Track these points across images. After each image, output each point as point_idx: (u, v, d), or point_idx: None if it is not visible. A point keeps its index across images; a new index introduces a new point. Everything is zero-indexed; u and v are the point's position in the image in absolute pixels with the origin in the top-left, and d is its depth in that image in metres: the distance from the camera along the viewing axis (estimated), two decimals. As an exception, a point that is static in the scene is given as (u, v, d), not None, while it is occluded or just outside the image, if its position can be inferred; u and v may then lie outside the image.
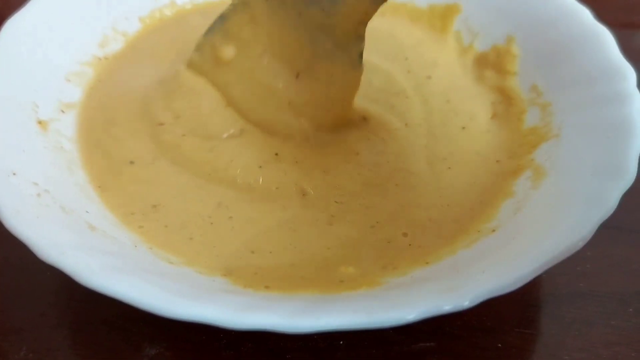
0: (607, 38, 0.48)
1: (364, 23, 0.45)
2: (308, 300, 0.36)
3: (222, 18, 0.49)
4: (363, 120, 0.49)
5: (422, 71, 0.55)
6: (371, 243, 0.43)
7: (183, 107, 0.49)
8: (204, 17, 0.58)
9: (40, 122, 0.46)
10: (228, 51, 0.49)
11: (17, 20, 0.49)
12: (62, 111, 0.49)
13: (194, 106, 0.50)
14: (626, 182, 0.39)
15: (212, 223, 0.43)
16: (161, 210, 0.44)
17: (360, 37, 0.46)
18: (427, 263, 0.41)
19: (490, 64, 0.55)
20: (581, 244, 0.36)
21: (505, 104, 0.52)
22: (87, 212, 0.42)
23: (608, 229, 0.38)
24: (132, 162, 0.47)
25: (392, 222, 0.44)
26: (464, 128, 0.51)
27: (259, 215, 0.44)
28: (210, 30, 0.50)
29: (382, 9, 0.45)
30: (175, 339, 0.41)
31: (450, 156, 0.48)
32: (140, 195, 0.45)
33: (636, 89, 0.45)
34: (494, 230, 0.42)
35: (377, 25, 0.48)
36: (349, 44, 0.46)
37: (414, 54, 0.56)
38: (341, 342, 0.41)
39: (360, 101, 0.50)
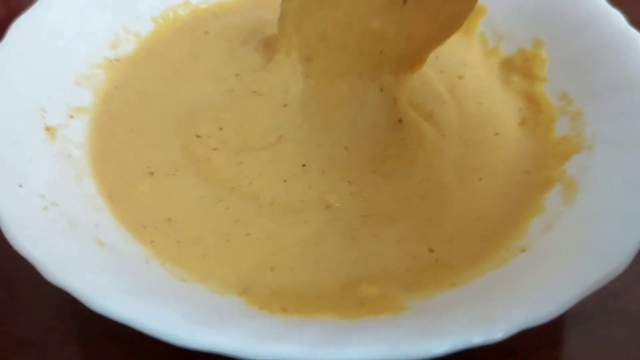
0: (641, 44, 0.46)
1: None
2: (329, 328, 0.34)
3: None
4: (399, 123, 0.47)
5: (454, 71, 0.53)
6: (396, 259, 0.41)
7: (231, 118, 0.48)
8: (219, 18, 0.57)
9: (48, 129, 0.45)
10: None
11: (24, 22, 0.47)
12: (71, 116, 0.47)
13: (244, 115, 0.48)
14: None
15: (228, 240, 0.41)
16: (175, 225, 0.42)
17: None
18: (453, 285, 0.39)
19: (517, 68, 0.53)
20: (621, 269, 0.34)
21: (534, 111, 0.50)
22: (96, 225, 0.40)
23: (638, 246, 0.36)
24: (151, 173, 0.45)
25: (419, 237, 0.42)
26: (497, 134, 0.49)
27: (279, 230, 0.42)
28: None
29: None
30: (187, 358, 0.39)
31: (483, 167, 0.46)
32: (155, 208, 0.43)
33: (674, 99, 0.42)
34: (523, 250, 0.40)
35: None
36: None
37: (443, 53, 0.53)
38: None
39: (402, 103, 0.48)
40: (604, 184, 0.41)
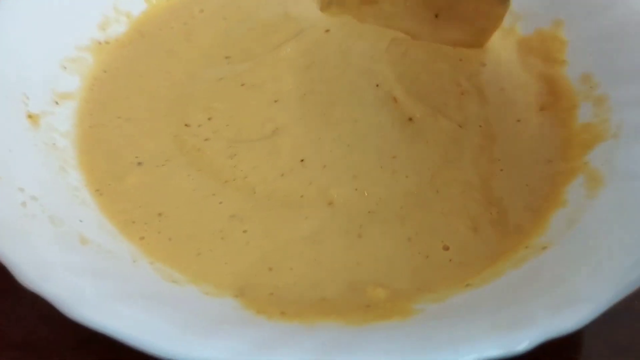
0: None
1: None
2: (330, 336, 0.31)
3: None
4: (408, 122, 0.45)
5: (475, 57, 0.50)
6: (406, 258, 0.38)
7: (224, 108, 0.46)
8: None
9: (30, 116, 0.42)
10: None
11: (6, 2, 0.44)
12: (56, 103, 0.44)
13: (234, 107, 0.46)
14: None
15: (223, 237, 0.38)
16: (166, 220, 0.39)
17: None
18: (468, 285, 0.36)
19: (535, 50, 0.49)
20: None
21: (553, 95, 0.47)
22: (80, 221, 0.38)
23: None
24: (140, 164, 0.42)
25: (432, 234, 0.39)
26: (519, 121, 0.46)
27: (278, 227, 0.39)
28: None
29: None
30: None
31: (504, 156, 0.43)
32: (144, 202, 0.40)
33: None
34: (544, 248, 0.37)
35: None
36: None
37: None
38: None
39: (406, 100, 0.46)
40: (630, 176, 0.38)
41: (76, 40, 0.47)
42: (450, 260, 0.38)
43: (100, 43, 0.49)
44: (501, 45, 0.50)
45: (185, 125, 0.45)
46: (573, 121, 0.44)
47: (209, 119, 0.45)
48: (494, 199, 0.41)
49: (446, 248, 0.38)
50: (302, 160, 0.42)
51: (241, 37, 0.51)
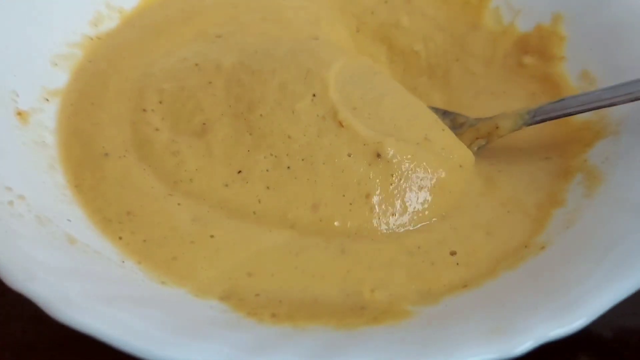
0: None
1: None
2: (323, 340, 0.30)
3: None
4: (377, 158, 0.40)
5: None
6: (408, 266, 0.37)
7: (171, 90, 0.44)
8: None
9: (20, 114, 0.41)
10: None
11: (-5, -2, 0.43)
12: (47, 100, 0.43)
13: (180, 89, 0.44)
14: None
15: (192, 242, 0.37)
16: (135, 220, 0.38)
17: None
18: (465, 286, 0.35)
19: (532, 47, 0.48)
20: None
21: (552, 93, 0.46)
22: (68, 220, 0.37)
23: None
24: (106, 154, 0.41)
25: (438, 241, 0.38)
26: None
27: (245, 237, 0.38)
28: None
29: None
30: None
31: (502, 155, 0.43)
32: (114, 198, 0.39)
33: None
34: (543, 247, 0.36)
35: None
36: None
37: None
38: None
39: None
40: (630, 174, 0.37)
41: (67, 37, 0.47)
42: (457, 264, 0.36)
43: (91, 39, 0.48)
44: (490, 41, 0.50)
45: (143, 110, 0.43)
46: (572, 118, 0.43)
47: (160, 102, 0.43)
48: (497, 197, 0.40)
49: (453, 253, 0.37)
50: (239, 172, 0.40)
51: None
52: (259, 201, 0.39)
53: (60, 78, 0.45)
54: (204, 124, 0.42)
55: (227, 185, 0.39)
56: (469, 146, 0.43)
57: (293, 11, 0.50)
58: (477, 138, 0.43)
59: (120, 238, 0.37)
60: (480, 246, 0.37)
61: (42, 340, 0.37)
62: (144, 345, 0.28)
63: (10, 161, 0.38)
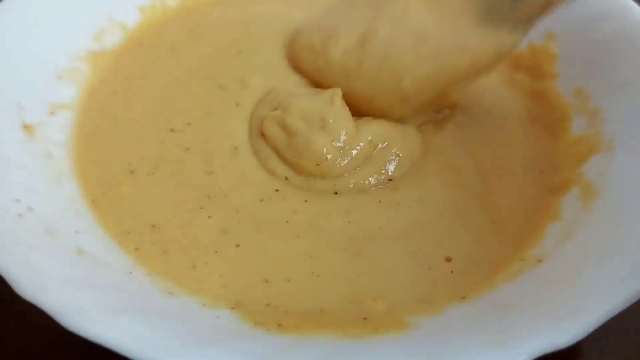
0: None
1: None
2: (328, 350, 0.31)
3: None
4: (334, 195, 0.42)
5: None
6: (408, 271, 0.38)
7: (197, 111, 0.45)
8: (210, 6, 0.53)
9: (26, 127, 0.41)
10: None
11: (1, 11, 0.44)
12: (52, 113, 0.44)
13: (205, 111, 0.45)
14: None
15: (216, 251, 0.38)
16: (159, 232, 0.39)
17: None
18: (464, 298, 0.36)
19: (525, 65, 0.49)
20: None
21: (544, 109, 0.47)
22: (76, 232, 0.37)
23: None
24: (132, 172, 0.42)
25: (435, 246, 0.39)
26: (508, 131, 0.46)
27: (271, 244, 0.39)
28: None
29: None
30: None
31: (497, 168, 0.44)
32: (138, 212, 0.40)
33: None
34: (540, 260, 0.37)
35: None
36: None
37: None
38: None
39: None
40: (626, 188, 0.38)
41: (71, 51, 0.47)
42: (451, 272, 0.37)
43: (96, 54, 0.49)
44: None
45: (170, 130, 0.44)
46: (566, 133, 0.44)
47: (188, 124, 0.45)
48: (491, 209, 0.41)
49: (448, 259, 0.38)
50: (276, 191, 0.41)
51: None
52: (294, 211, 0.40)
53: (66, 91, 0.46)
54: (235, 148, 0.43)
55: (262, 200, 0.41)
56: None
57: None
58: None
59: (136, 249, 0.38)
60: (473, 254, 0.38)
61: (52, 349, 0.38)
62: (155, 355, 0.28)
63: (19, 174, 0.38)
